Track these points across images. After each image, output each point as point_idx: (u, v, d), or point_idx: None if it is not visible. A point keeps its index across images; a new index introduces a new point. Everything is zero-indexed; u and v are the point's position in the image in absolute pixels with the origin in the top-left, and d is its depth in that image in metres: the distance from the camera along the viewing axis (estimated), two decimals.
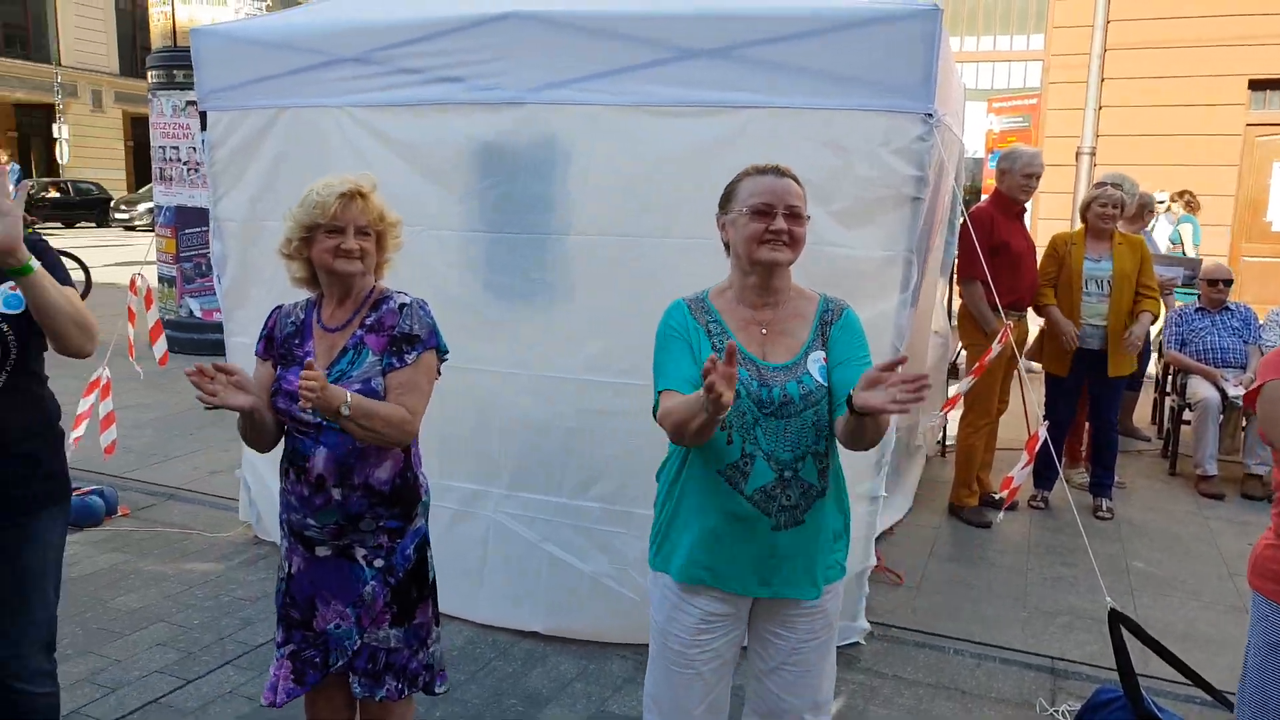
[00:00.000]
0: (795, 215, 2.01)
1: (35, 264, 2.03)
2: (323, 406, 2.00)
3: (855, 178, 3.09)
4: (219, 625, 3.63)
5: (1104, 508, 5.05)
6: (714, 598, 2.08)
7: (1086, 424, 5.46)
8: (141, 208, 24.17)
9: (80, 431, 4.08)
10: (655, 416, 2.02)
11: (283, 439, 2.29)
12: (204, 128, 4.09)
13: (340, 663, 2.25)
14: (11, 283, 2.09)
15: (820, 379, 2.03)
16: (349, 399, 2.05)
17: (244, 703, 3.10)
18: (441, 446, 3.50)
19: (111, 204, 26.90)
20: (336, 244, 2.16)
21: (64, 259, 2.33)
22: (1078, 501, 3.75)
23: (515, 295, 3.50)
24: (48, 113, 28.77)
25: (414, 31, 3.48)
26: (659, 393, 2.03)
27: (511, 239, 3.45)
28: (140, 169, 31.23)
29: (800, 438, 2.00)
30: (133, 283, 4.30)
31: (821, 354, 2.05)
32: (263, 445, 2.27)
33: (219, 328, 4.39)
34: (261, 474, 4.34)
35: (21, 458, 2.23)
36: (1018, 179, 4.78)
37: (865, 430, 1.88)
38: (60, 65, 29.49)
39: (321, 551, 2.24)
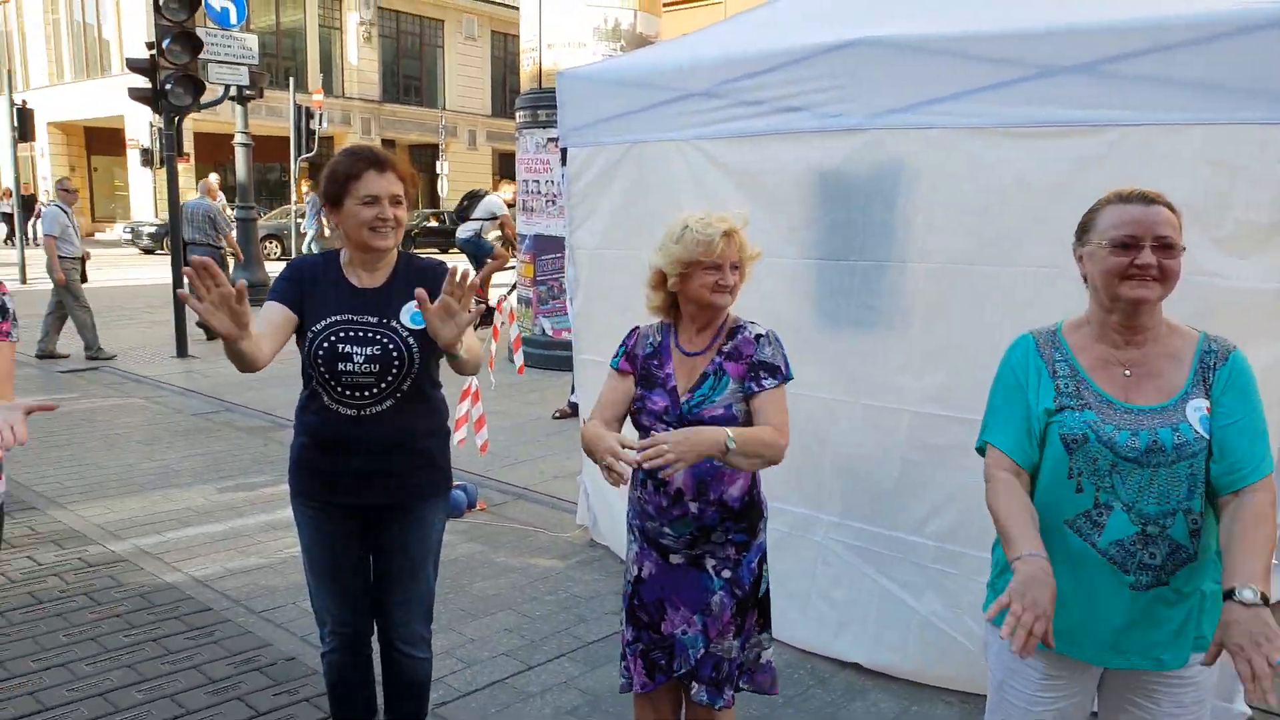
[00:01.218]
0: (1166, 246, 1.80)
1: (461, 350, 2.30)
2: (702, 454, 2.09)
3: (1244, 200, 2.74)
4: (557, 619, 3.94)
5: None
6: (1059, 659, 1.92)
7: None
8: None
9: (462, 434, 4.63)
10: (982, 457, 1.97)
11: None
12: (564, 163, 4.48)
13: (684, 669, 2.37)
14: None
15: (1202, 430, 1.81)
16: (730, 435, 2.13)
17: (577, 695, 3.34)
18: (773, 469, 3.53)
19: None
20: (715, 280, 2.27)
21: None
22: None
23: (850, 323, 3.47)
24: (433, 151, 32.89)
25: (758, 64, 3.58)
26: (985, 441, 1.97)
27: (848, 266, 3.44)
28: None
29: (1170, 491, 1.81)
30: (499, 303, 4.82)
31: (1204, 402, 1.83)
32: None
33: (566, 345, 4.78)
34: (600, 483, 4.64)
35: (420, 453, 2.56)
36: None
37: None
38: (445, 109, 33.67)
39: (675, 559, 2.39)
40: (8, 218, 20.91)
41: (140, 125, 24.56)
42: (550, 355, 8.89)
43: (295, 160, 17.91)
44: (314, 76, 28.58)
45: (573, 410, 6.93)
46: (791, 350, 2.44)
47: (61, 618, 3.85)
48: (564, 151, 4.46)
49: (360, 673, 2.77)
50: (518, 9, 9.96)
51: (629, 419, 2.42)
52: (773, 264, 3.57)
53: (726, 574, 2.37)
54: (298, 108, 17.17)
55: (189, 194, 13.21)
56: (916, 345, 3.31)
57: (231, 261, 12.02)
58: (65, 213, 9.74)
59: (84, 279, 10.01)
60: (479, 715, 3.21)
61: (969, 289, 3.16)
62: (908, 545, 3.38)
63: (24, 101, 17.97)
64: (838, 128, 3.38)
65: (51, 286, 9.72)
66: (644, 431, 2.37)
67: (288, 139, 18.46)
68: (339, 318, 2.42)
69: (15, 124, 17.05)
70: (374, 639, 2.74)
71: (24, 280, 16.52)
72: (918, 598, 3.38)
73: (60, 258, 9.51)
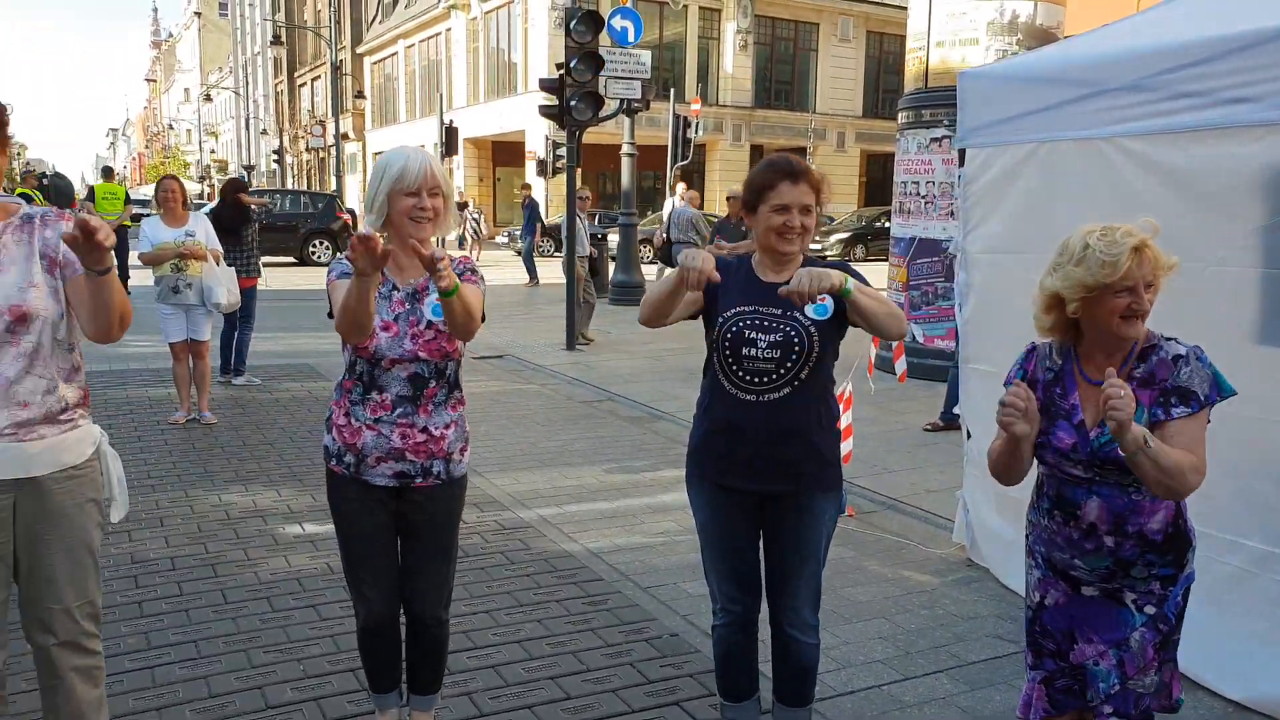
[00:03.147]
0: None
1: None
2: (1125, 446, 1.97)
3: None
4: (933, 634, 3.83)
5: None
6: None
7: None
8: (833, 239, 25.96)
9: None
10: None
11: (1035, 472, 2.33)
12: (961, 164, 4.34)
13: (1097, 701, 2.23)
14: (823, 294, 2.47)
15: None
16: (1147, 438, 1.97)
17: (958, 713, 3.23)
18: (1227, 500, 3.17)
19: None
20: (1127, 304, 2.07)
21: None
22: None
23: None
24: (800, 155, 33.19)
25: (1197, 53, 3.22)
26: None
27: None
28: (869, 203, 34.26)
29: None
30: None
31: None
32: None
33: (939, 353, 4.62)
34: (979, 503, 4.45)
35: (812, 444, 2.64)
36: None
37: None
38: (814, 112, 33.89)
39: (1087, 591, 2.25)
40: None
41: (537, 139, 27.39)
42: (919, 364, 8.63)
43: (670, 167, 18.96)
44: (691, 86, 30.09)
45: (947, 424, 6.68)
46: (1241, 370, 2.18)
47: (484, 571, 4.41)
48: (961, 153, 4.32)
49: (747, 649, 2.86)
50: (896, 7, 9.77)
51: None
52: (1212, 274, 3.21)
53: (1150, 609, 2.19)
54: (676, 117, 18.14)
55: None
56: None
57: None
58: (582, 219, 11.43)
59: (594, 273, 11.86)
60: (854, 715, 3.22)
61: None
62: None
63: (450, 121, 20.77)
64: None
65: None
66: (1049, 469, 2.25)
67: (662, 147, 19.62)
68: (745, 308, 2.62)
69: (443, 141, 19.78)
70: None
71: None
72: None
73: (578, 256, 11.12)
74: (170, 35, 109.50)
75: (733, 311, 2.62)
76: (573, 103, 10.65)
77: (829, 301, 2.51)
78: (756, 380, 2.57)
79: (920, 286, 8.82)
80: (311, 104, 51.82)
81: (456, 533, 2.86)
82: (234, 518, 5.06)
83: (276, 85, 58.80)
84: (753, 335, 2.57)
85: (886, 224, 26.05)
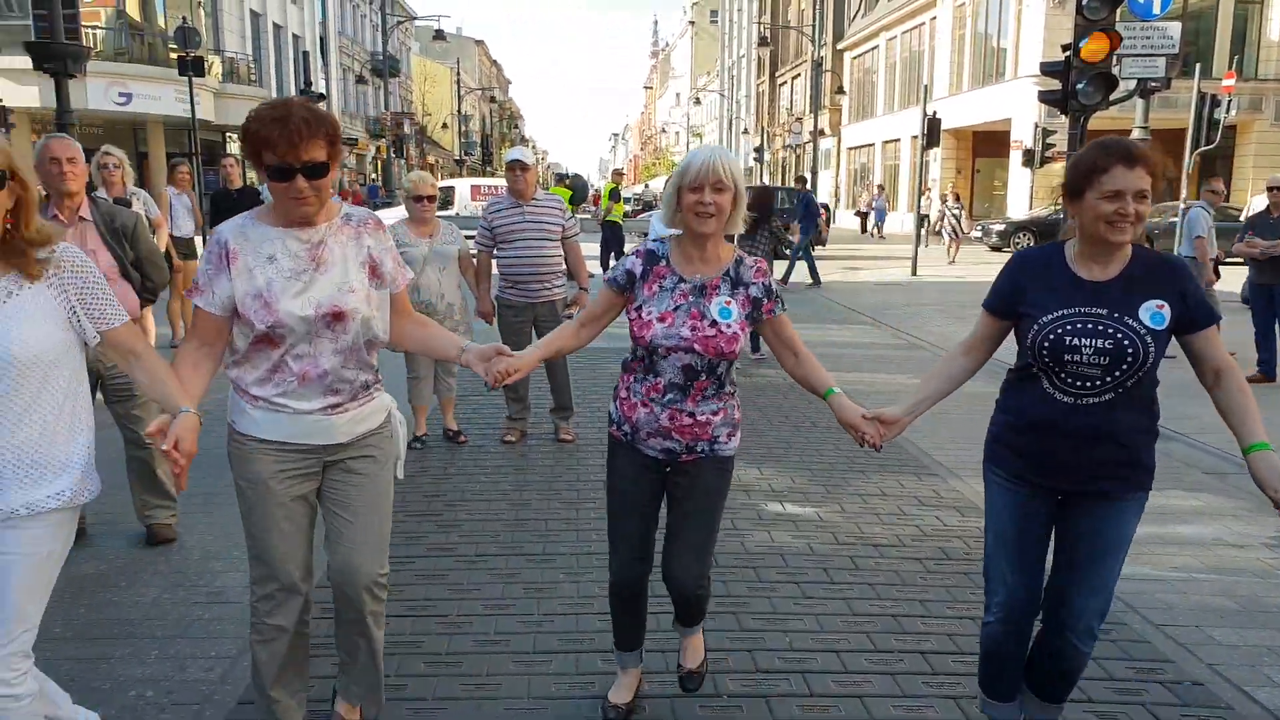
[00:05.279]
0: None
1: None
2: None
3: None
4: None
5: None
6: None
7: None
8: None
9: None
10: None
11: None
12: None
13: None
14: (1160, 301, 2.42)
15: None
16: None
17: None
18: None
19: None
20: None
21: None
22: None
23: None
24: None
25: None
26: None
27: None
28: None
29: None
30: None
31: None
32: None
33: None
34: None
35: (1126, 447, 2.51)
36: None
37: None
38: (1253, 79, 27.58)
39: None
40: (925, 219, 23.83)
41: (1024, 127, 25.64)
42: None
43: (1189, 154, 16.64)
44: (1221, 60, 26.08)
45: None
46: None
47: (966, 575, 4.23)
48: None
49: (1018, 648, 2.77)
50: None
51: None
52: None
53: None
54: (1201, 95, 15.86)
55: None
56: None
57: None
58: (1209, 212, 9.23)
59: None
60: None
61: None
62: None
63: (934, 112, 20.21)
64: None
65: None
66: None
67: (1179, 131, 17.24)
68: (1067, 311, 2.46)
69: (924, 132, 19.32)
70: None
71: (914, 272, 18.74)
72: None
73: None
74: (666, 45, 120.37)
75: (1051, 318, 2.48)
76: (1079, 86, 9.77)
77: (1166, 310, 2.41)
78: (1078, 384, 2.48)
79: None
80: (790, 102, 53.79)
81: (718, 507, 2.89)
82: None
83: (758, 85, 61.94)
84: (1075, 342, 2.44)
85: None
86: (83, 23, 14.15)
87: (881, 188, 36.77)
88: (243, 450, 2.56)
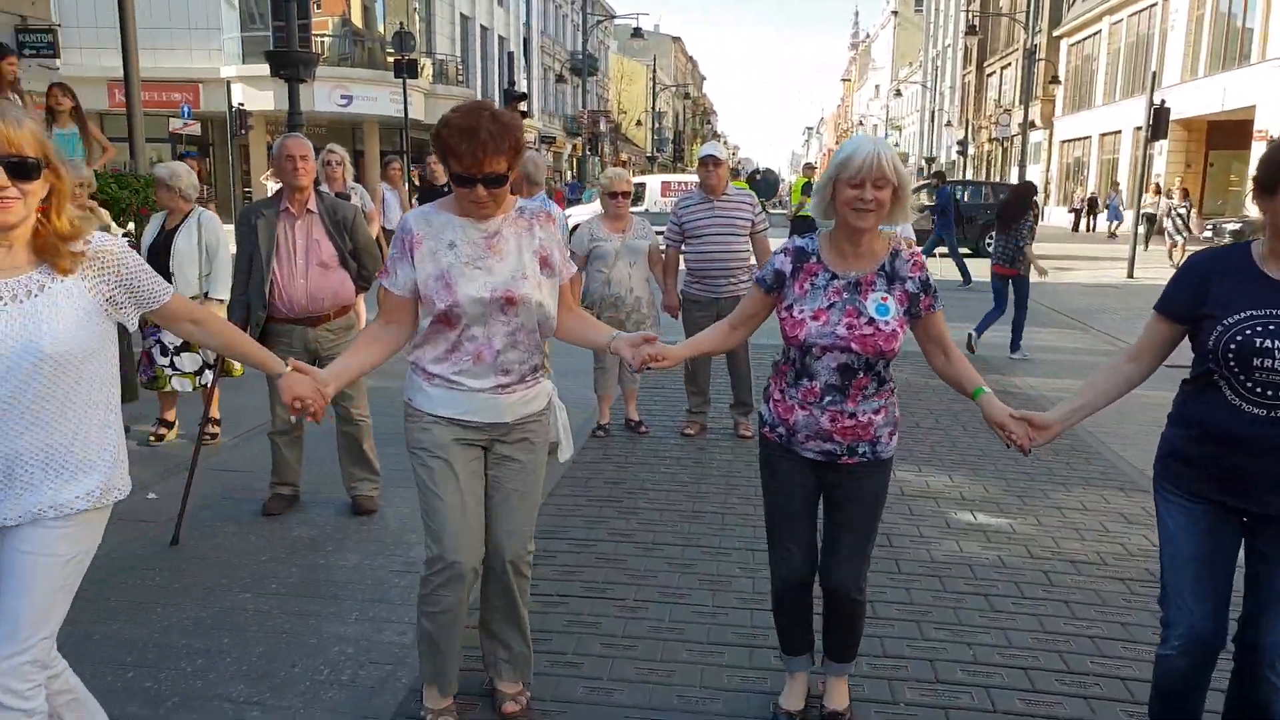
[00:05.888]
0: None
1: None
2: None
3: None
4: None
5: None
6: None
7: None
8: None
9: None
10: None
11: None
12: None
13: None
14: None
15: None
16: None
17: None
18: None
19: None
20: None
21: None
22: None
23: None
24: None
25: None
26: None
27: None
28: None
29: None
30: None
31: None
32: None
33: None
34: None
35: None
36: None
37: None
38: None
39: None
40: (1150, 218, 21.93)
41: (1271, 115, 23.26)
42: None
43: None
44: None
45: None
46: None
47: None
48: None
49: (1199, 685, 2.48)
50: None
51: None
52: None
53: None
54: None
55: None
56: None
57: None
58: None
59: None
60: None
61: None
62: None
63: (1162, 100, 18.64)
64: None
65: None
66: None
67: None
68: (1256, 312, 2.25)
69: (1149, 124, 17.81)
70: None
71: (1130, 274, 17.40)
72: None
73: None
74: (867, 36, 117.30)
75: (1237, 318, 2.25)
76: None
77: None
78: (1269, 394, 2.23)
79: None
80: (999, 93, 51.15)
81: (878, 513, 2.81)
82: (906, 495, 5.22)
83: (964, 76, 59.24)
84: (1266, 344, 2.21)
85: None
86: (313, 32, 15.39)
87: (1116, 184, 34.27)
88: (420, 423, 2.75)
